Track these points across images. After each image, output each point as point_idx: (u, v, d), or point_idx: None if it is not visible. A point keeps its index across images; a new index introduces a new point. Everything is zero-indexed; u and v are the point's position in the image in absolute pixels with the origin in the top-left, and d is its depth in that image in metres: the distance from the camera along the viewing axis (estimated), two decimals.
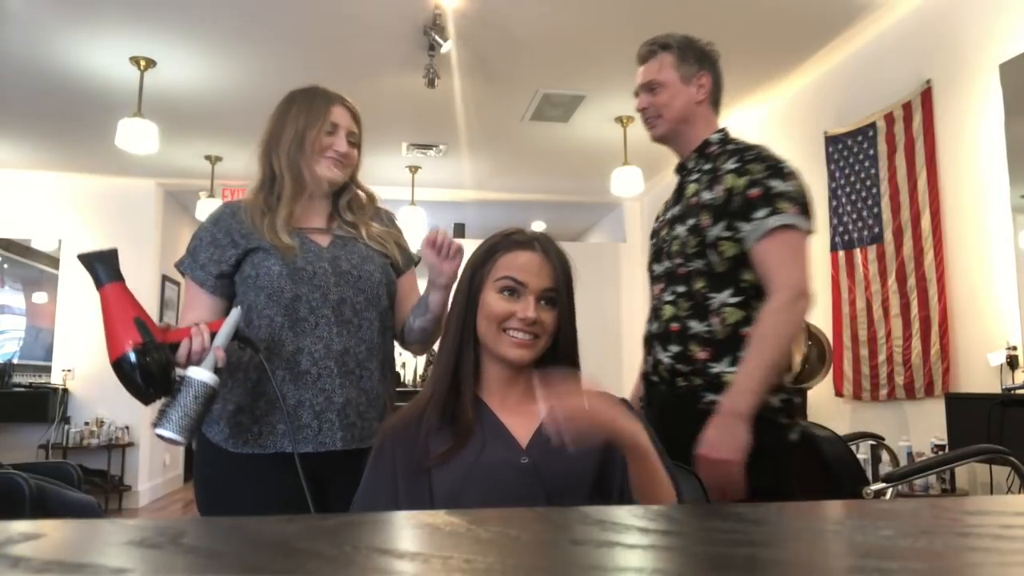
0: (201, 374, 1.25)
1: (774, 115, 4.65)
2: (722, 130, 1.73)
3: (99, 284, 1.25)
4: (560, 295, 1.18)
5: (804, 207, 1.55)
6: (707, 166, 1.67)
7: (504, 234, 1.22)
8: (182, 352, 1.28)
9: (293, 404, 1.42)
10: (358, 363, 1.47)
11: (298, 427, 1.41)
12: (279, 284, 1.44)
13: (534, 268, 1.16)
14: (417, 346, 1.62)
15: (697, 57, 1.72)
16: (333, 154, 1.53)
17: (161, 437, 1.23)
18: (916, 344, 3.29)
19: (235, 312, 1.33)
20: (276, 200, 1.51)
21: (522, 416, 1.16)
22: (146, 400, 1.25)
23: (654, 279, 1.75)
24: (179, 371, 1.27)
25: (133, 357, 1.21)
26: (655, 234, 1.81)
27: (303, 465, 1.34)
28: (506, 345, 1.15)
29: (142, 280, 6.14)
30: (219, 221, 1.53)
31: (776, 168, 1.57)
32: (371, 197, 1.66)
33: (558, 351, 1.21)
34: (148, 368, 1.22)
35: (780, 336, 1.50)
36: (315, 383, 1.44)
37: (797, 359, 3.84)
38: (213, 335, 1.30)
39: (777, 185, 1.54)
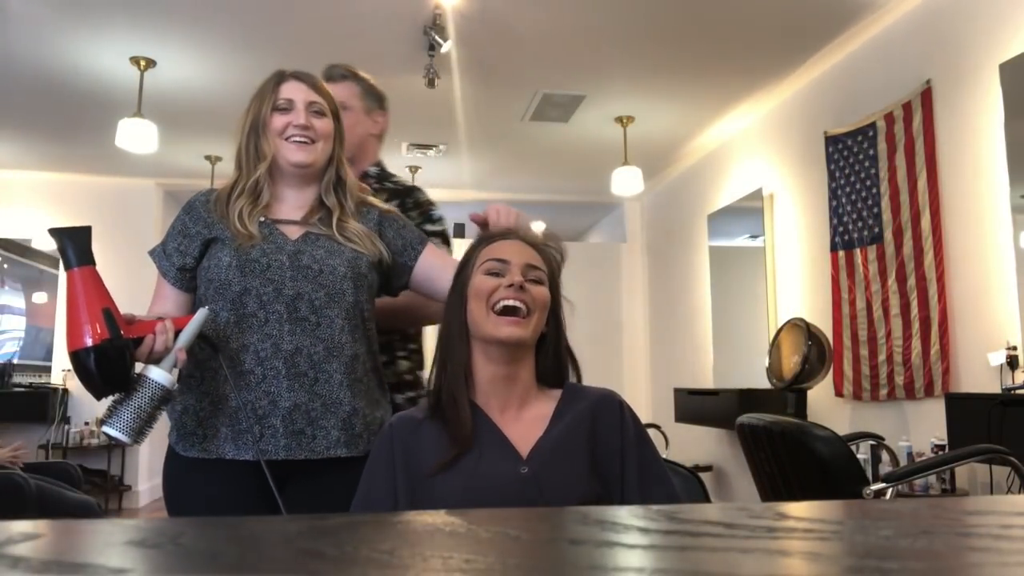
0: (159, 375, 1.19)
1: (774, 115, 4.65)
2: (378, 163, 1.91)
3: (68, 265, 1.16)
4: (547, 278, 1.19)
5: (448, 244, 1.80)
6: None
7: (487, 233, 1.27)
8: (143, 349, 1.20)
9: (233, 407, 1.32)
10: (312, 364, 1.34)
11: (238, 432, 1.31)
12: (227, 276, 1.35)
13: (516, 248, 1.19)
14: None
15: (377, 96, 1.92)
16: (293, 131, 1.42)
17: (107, 435, 1.19)
18: (916, 344, 3.29)
19: (201, 312, 1.27)
20: (241, 190, 1.43)
21: (522, 425, 1.15)
22: (99, 396, 1.18)
23: None
24: (137, 368, 1.21)
25: (95, 352, 1.13)
26: None
27: (251, 473, 1.28)
28: (494, 324, 1.13)
29: (141, 281, 6.10)
30: (192, 209, 1.45)
31: (428, 214, 1.81)
32: (354, 187, 1.52)
33: (552, 346, 1.21)
34: (109, 366, 1.15)
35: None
36: (259, 384, 1.32)
37: (796, 359, 3.84)
38: (178, 332, 1.23)
39: (428, 227, 1.77)
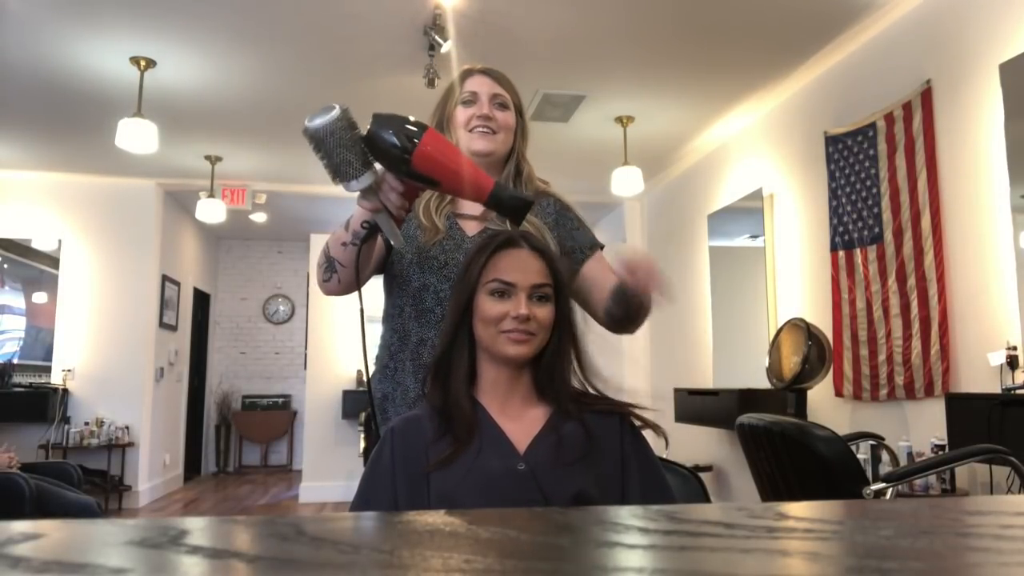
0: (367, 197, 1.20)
1: (774, 115, 4.65)
2: None
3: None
4: (554, 290, 1.18)
5: None
6: None
7: (492, 236, 1.23)
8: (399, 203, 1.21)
9: (413, 397, 1.39)
10: None
11: None
12: (408, 272, 1.43)
13: (521, 266, 1.16)
14: (619, 330, 1.47)
15: None
16: (476, 122, 1.47)
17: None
18: (916, 344, 3.29)
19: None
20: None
21: (522, 422, 1.15)
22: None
23: None
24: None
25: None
26: None
27: None
28: (503, 343, 1.15)
29: (142, 280, 6.14)
30: None
31: None
32: (533, 179, 1.53)
33: (559, 348, 1.21)
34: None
35: None
36: None
37: (796, 359, 3.84)
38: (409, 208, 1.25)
39: None
